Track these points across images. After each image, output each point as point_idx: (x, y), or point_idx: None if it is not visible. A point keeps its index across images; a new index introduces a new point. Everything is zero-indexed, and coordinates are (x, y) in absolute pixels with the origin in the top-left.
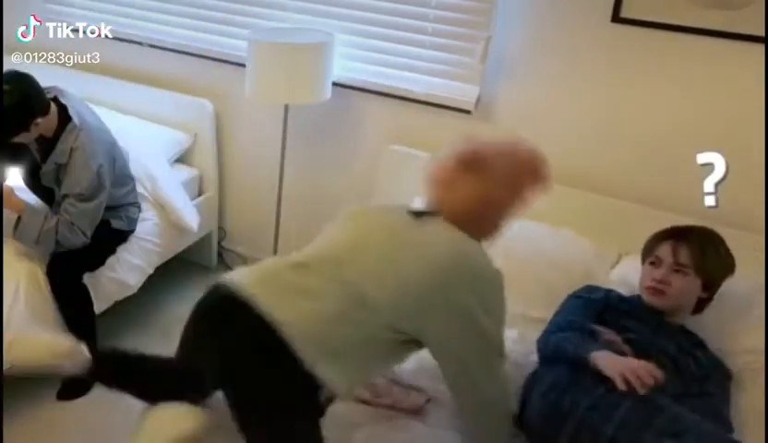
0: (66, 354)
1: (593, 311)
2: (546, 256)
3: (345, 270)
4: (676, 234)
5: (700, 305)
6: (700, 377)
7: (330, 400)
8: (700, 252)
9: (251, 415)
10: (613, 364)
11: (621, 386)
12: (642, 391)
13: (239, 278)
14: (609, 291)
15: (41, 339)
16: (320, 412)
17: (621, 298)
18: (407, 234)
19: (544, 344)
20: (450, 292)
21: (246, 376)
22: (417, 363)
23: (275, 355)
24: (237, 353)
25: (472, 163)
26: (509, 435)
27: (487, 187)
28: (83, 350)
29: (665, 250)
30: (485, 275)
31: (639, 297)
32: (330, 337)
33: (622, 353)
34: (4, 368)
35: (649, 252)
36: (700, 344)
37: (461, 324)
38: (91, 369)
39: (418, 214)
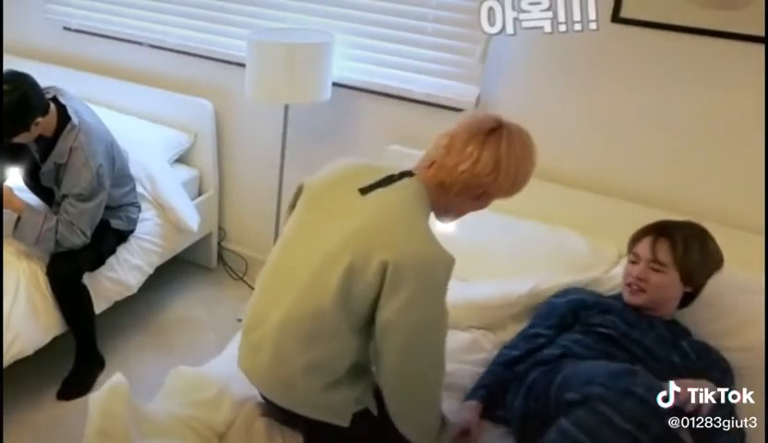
0: None
1: (558, 315)
2: (544, 255)
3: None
4: (657, 230)
5: (686, 300)
6: (684, 368)
7: None
8: (683, 247)
9: None
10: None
11: None
12: None
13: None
14: (590, 293)
15: None
16: None
17: (601, 297)
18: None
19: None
20: None
21: None
22: None
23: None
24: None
25: (492, 132)
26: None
27: (493, 160)
28: None
29: (644, 247)
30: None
31: (620, 295)
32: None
33: None
34: None
35: (631, 248)
36: (685, 336)
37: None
38: None
39: (385, 181)
